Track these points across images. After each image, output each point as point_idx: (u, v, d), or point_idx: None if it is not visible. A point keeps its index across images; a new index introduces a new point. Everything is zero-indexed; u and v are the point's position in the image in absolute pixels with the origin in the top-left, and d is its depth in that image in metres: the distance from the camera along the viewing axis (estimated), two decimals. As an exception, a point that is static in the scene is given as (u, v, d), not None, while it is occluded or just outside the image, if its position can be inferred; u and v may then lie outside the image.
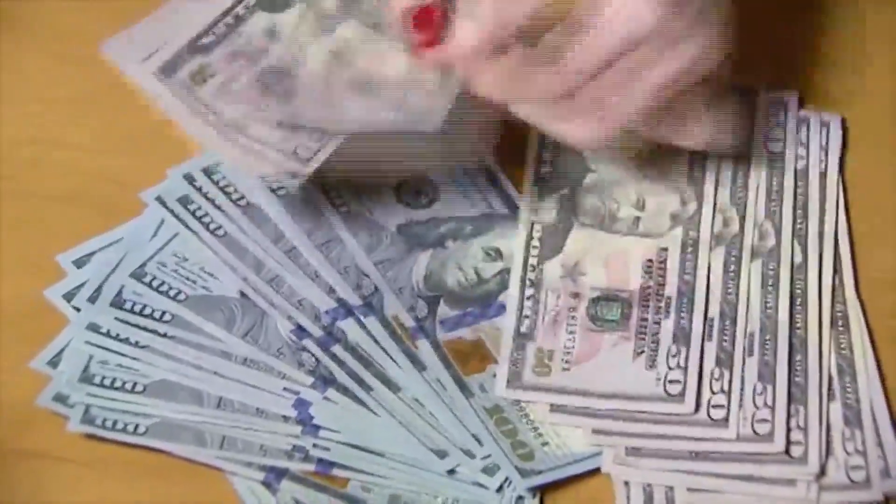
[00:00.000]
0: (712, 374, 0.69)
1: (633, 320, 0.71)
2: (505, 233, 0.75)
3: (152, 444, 0.71)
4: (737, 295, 0.70)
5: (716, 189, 0.73)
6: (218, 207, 0.75)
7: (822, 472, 0.67)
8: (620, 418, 0.68)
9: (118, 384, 0.71)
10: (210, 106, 0.68)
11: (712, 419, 0.67)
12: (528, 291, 0.73)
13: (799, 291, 0.71)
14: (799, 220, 0.72)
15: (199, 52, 0.69)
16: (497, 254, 0.74)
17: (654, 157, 0.74)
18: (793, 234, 0.72)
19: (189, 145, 0.75)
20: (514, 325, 0.72)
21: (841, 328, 0.70)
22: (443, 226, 0.75)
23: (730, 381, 0.68)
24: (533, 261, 0.73)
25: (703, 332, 0.70)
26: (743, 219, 0.72)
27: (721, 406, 0.68)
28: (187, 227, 0.75)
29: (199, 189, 0.76)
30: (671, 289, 0.71)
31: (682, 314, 0.71)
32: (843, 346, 0.70)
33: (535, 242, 0.74)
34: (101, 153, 0.79)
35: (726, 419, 0.67)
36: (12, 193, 0.78)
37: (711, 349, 0.69)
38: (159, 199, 0.76)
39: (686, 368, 0.69)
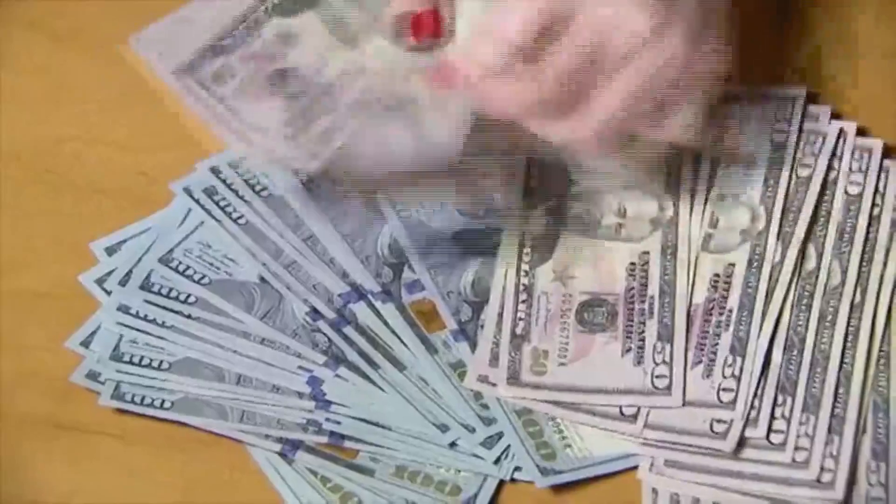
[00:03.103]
0: (775, 400, 0.70)
1: (619, 321, 0.73)
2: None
3: (178, 417, 0.74)
4: (806, 328, 0.72)
5: (693, 195, 0.75)
6: (241, 198, 0.78)
7: (846, 500, 0.68)
8: (673, 430, 0.70)
9: (146, 362, 0.75)
10: (228, 104, 0.70)
11: (771, 443, 0.69)
12: (522, 296, 0.74)
13: (852, 329, 0.72)
14: (864, 263, 0.73)
15: (220, 53, 0.72)
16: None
17: (634, 164, 0.75)
18: (857, 275, 0.73)
19: (216, 140, 0.77)
20: (510, 328, 0.74)
21: (882, 366, 0.71)
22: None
23: (791, 409, 0.70)
24: (525, 267, 0.75)
25: (686, 327, 0.72)
26: (821, 256, 0.73)
27: (780, 431, 0.69)
28: (212, 216, 0.78)
29: (225, 181, 0.79)
30: (653, 289, 0.73)
31: (665, 312, 0.72)
32: (881, 383, 0.71)
33: (527, 250, 0.75)
34: (135, 149, 0.82)
35: (783, 444, 0.69)
36: (55, 186, 0.81)
37: (774, 376, 0.71)
38: (187, 190, 0.79)
39: (671, 363, 0.71)
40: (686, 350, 0.72)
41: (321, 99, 0.72)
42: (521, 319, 0.74)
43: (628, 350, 0.72)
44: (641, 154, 0.71)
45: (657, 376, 0.71)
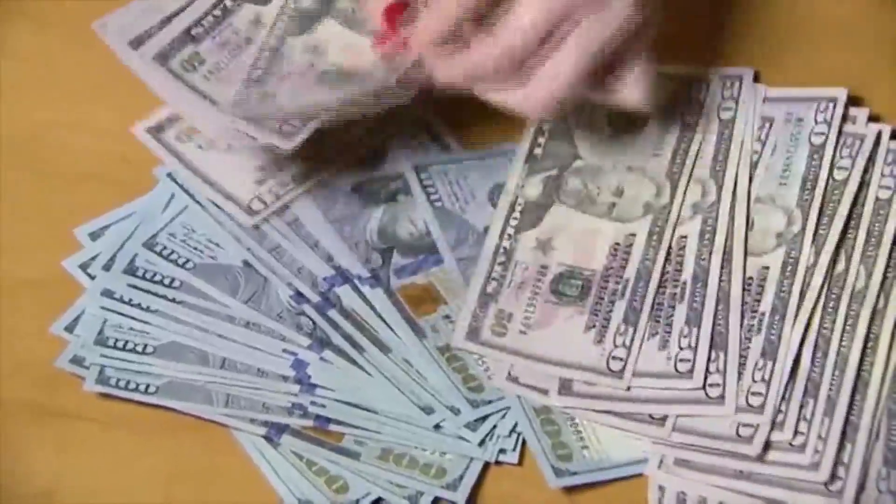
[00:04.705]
0: (801, 402, 0.70)
1: (590, 297, 0.73)
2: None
3: (163, 402, 0.74)
4: (831, 330, 0.71)
5: (688, 184, 0.75)
6: (226, 181, 0.79)
7: None
8: (694, 433, 0.70)
9: (130, 346, 0.75)
10: (199, 90, 0.72)
11: (791, 445, 0.69)
12: (501, 258, 0.75)
13: (872, 335, 0.71)
14: (890, 269, 0.73)
15: (191, 41, 0.73)
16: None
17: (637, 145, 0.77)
18: (882, 281, 0.72)
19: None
20: (481, 285, 0.74)
21: None
22: (392, 182, 0.79)
23: (813, 411, 0.69)
24: (510, 230, 0.76)
25: (651, 313, 0.72)
26: (849, 259, 0.73)
27: (802, 433, 0.69)
28: (196, 199, 0.78)
29: (209, 164, 0.79)
30: (630, 272, 0.73)
31: (636, 297, 0.73)
32: None
33: (516, 214, 0.76)
34: (120, 135, 0.81)
35: (804, 445, 0.69)
36: (41, 173, 0.81)
37: (802, 379, 0.70)
38: (170, 175, 0.79)
39: (630, 347, 0.71)
40: (644, 333, 0.72)
41: (276, 61, 0.74)
42: (493, 280, 0.75)
43: (592, 327, 0.73)
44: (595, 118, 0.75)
45: (613, 357, 0.71)
